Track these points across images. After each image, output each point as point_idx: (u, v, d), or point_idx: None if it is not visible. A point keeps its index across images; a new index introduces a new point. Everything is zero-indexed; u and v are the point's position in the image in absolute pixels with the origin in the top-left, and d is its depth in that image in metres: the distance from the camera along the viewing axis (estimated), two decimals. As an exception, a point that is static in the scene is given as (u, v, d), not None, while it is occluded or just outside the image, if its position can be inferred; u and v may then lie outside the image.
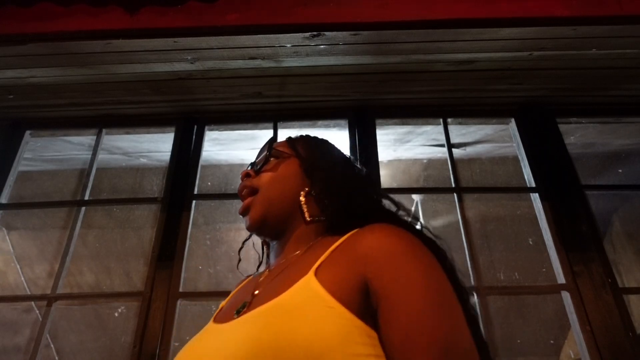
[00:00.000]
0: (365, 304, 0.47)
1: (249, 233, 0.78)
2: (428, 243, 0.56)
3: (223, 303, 0.69)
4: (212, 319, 0.62)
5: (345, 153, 0.78)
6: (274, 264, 0.67)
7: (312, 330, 0.44)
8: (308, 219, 0.65)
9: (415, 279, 0.47)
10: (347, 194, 0.65)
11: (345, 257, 0.52)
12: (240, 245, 0.81)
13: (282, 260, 0.64)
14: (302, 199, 0.66)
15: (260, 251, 0.79)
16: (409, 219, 0.64)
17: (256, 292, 0.58)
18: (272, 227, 0.67)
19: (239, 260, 0.79)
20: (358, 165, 0.77)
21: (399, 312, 0.45)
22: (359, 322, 0.45)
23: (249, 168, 0.74)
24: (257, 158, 0.75)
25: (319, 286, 0.48)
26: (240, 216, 0.71)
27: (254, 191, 0.68)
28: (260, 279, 0.63)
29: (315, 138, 0.77)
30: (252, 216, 0.66)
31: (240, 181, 0.73)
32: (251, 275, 0.76)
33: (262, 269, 0.74)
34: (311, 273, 0.51)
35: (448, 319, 0.45)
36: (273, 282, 0.58)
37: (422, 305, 0.45)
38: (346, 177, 0.69)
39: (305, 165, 0.69)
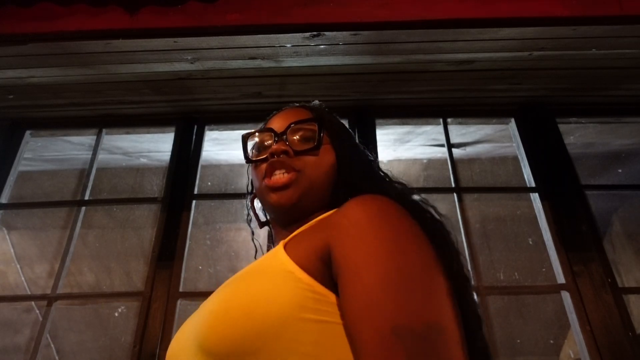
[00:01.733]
0: (327, 271, 0.45)
1: (249, 229, 0.77)
2: (420, 214, 0.52)
3: None
4: None
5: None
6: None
7: (260, 292, 0.44)
8: None
9: (376, 248, 0.43)
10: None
11: (319, 227, 0.52)
12: (241, 239, 0.79)
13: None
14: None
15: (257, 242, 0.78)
16: (413, 195, 0.59)
17: None
18: (302, 211, 0.62)
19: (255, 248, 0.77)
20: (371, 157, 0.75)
21: (354, 285, 0.42)
22: (320, 288, 0.44)
23: (276, 139, 0.64)
24: (285, 129, 0.65)
25: (283, 253, 0.48)
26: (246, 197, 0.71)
27: (294, 171, 0.61)
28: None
29: (346, 129, 0.73)
30: (291, 195, 0.60)
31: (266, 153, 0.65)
32: None
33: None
34: (281, 244, 0.50)
35: (406, 294, 0.40)
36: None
37: (377, 278, 0.41)
38: (373, 173, 0.67)
39: (342, 161, 0.65)
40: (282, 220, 0.64)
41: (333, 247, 0.46)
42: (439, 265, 0.45)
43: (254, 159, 0.66)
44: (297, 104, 0.73)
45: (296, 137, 0.64)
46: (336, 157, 0.65)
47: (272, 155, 0.62)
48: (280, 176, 0.61)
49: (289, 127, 0.64)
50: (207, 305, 0.48)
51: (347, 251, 0.44)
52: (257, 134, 0.69)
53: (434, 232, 0.50)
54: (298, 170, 0.61)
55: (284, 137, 0.64)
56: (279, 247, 0.50)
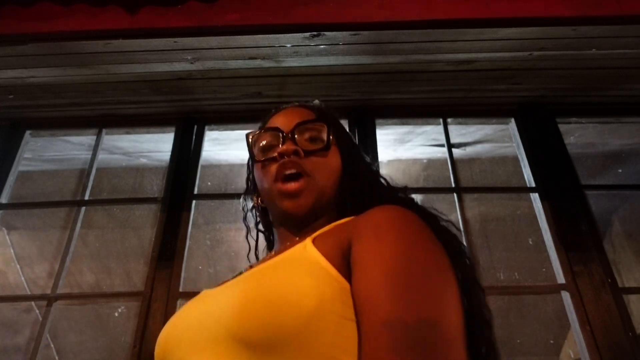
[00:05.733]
0: (348, 268, 0.46)
1: (252, 224, 0.76)
2: (439, 231, 0.52)
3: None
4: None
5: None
6: (279, 248, 0.64)
7: (297, 282, 0.43)
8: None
9: (388, 248, 0.44)
10: (373, 198, 0.61)
11: (344, 228, 0.52)
12: (242, 240, 0.77)
13: (287, 243, 0.61)
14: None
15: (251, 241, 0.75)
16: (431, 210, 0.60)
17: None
18: (313, 217, 0.62)
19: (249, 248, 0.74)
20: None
21: (359, 280, 0.43)
22: (345, 284, 0.44)
23: (284, 139, 0.63)
24: (293, 129, 0.63)
25: (315, 250, 0.48)
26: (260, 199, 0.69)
27: (305, 174, 0.61)
28: (265, 259, 0.62)
29: (346, 131, 0.74)
30: (304, 202, 0.60)
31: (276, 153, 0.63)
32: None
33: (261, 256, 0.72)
34: (309, 239, 0.50)
35: (404, 290, 0.40)
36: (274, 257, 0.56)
37: (380, 274, 0.41)
38: (375, 178, 0.68)
39: (347, 164, 0.65)
40: (291, 225, 0.63)
41: (352, 245, 0.47)
42: (452, 273, 0.45)
43: (262, 159, 0.64)
44: (297, 103, 0.71)
45: (305, 137, 0.63)
46: (341, 159, 0.65)
47: (281, 155, 0.61)
48: (293, 184, 0.60)
49: (296, 126, 0.63)
50: (235, 293, 0.46)
51: (362, 248, 0.45)
52: (262, 132, 0.67)
53: (449, 241, 0.51)
54: (308, 174, 0.60)
55: (293, 136, 0.62)
56: (308, 242, 0.49)
